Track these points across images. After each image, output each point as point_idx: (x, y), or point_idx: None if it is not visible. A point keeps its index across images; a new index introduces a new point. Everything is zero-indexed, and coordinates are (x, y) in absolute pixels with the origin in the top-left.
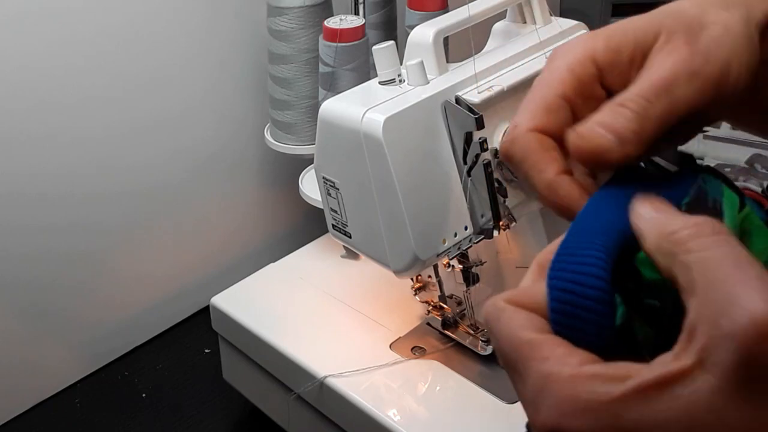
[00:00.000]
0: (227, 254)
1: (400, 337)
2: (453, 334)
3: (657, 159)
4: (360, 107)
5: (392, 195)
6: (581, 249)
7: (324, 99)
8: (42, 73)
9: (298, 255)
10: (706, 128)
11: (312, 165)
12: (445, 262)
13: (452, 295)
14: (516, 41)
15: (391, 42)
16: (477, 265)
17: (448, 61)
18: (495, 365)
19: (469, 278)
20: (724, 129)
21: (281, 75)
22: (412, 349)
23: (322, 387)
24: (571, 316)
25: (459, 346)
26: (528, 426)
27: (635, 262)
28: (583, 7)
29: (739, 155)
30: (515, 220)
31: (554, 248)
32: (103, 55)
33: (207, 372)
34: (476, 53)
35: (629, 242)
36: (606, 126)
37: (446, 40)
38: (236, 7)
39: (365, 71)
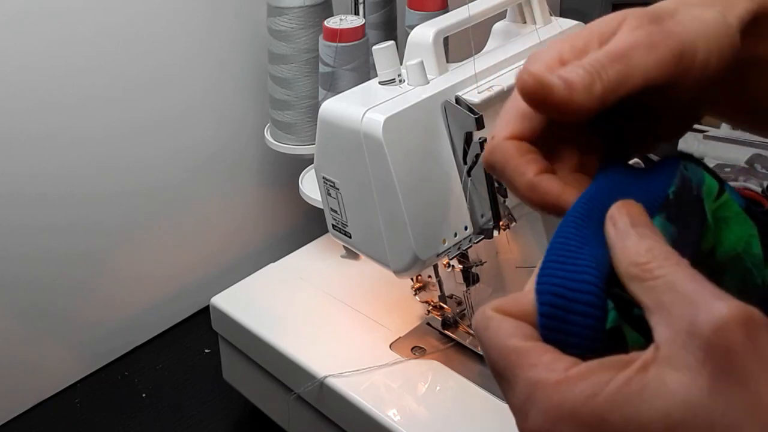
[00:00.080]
0: (227, 254)
1: (400, 337)
2: (453, 334)
3: (652, 156)
4: (360, 107)
5: (392, 195)
6: (571, 255)
7: (324, 99)
8: (42, 73)
9: (298, 255)
10: (706, 128)
11: (312, 165)
12: (445, 262)
13: (452, 295)
14: (516, 41)
15: (391, 42)
16: (477, 265)
17: (448, 61)
18: None
19: (469, 278)
20: (724, 129)
21: (281, 75)
22: (412, 349)
23: (322, 387)
24: (562, 320)
25: (459, 346)
26: None
27: None
28: (583, 7)
29: (739, 155)
30: (515, 220)
31: None
32: (103, 55)
33: (207, 372)
34: (476, 53)
35: None
36: (557, 73)
37: (446, 40)
38: (236, 7)
39: (365, 71)
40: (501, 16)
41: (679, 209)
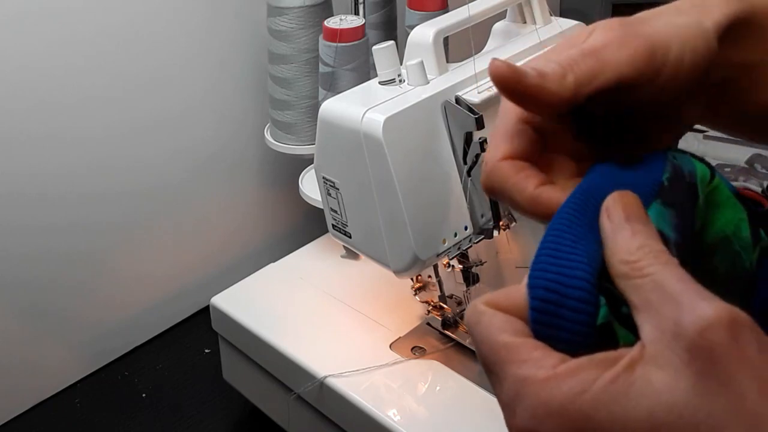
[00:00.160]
0: (227, 254)
1: (400, 337)
2: (453, 334)
3: None
4: (360, 107)
5: (392, 195)
6: (564, 249)
7: (324, 99)
8: (42, 73)
9: (298, 255)
10: (706, 128)
11: (312, 165)
12: (445, 262)
13: (452, 295)
14: (516, 41)
15: (391, 42)
16: (477, 265)
17: (448, 61)
18: None
19: (469, 278)
20: None
21: (281, 75)
22: (412, 349)
23: (322, 387)
24: (553, 315)
25: (459, 346)
26: None
27: None
28: (583, 7)
29: (739, 155)
30: (515, 220)
31: None
32: (103, 55)
33: (207, 372)
34: (476, 53)
35: None
36: (530, 65)
37: (446, 40)
38: (236, 7)
39: (365, 71)
40: (501, 16)
41: (675, 194)
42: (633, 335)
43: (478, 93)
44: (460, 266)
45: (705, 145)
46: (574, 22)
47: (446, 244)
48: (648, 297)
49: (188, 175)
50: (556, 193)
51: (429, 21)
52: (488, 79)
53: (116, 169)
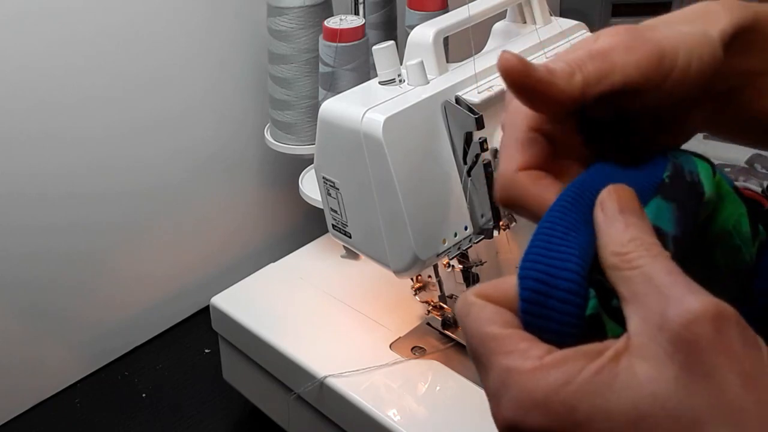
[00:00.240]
0: (227, 254)
1: (400, 337)
2: (453, 334)
3: None
4: (360, 107)
5: (392, 195)
6: (556, 241)
7: (324, 99)
8: (42, 73)
9: (298, 255)
10: None
11: (312, 165)
12: (445, 262)
13: (452, 295)
14: (516, 41)
15: (391, 42)
16: (477, 265)
17: (448, 61)
18: None
19: (469, 278)
20: None
21: (281, 75)
22: (412, 349)
23: (322, 387)
24: (542, 305)
25: (459, 346)
26: None
27: None
28: (583, 7)
29: (739, 155)
30: (515, 220)
31: None
32: (103, 55)
33: (207, 372)
34: (476, 53)
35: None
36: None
37: (446, 40)
38: (236, 7)
39: (365, 71)
40: (501, 16)
41: (675, 190)
42: (622, 328)
43: (478, 93)
44: (460, 266)
45: (705, 145)
46: (574, 22)
47: (446, 244)
48: (636, 289)
49: (188, 175)
50: None
51: (429, 21)
52: (488, 79)
53: (116, 169)
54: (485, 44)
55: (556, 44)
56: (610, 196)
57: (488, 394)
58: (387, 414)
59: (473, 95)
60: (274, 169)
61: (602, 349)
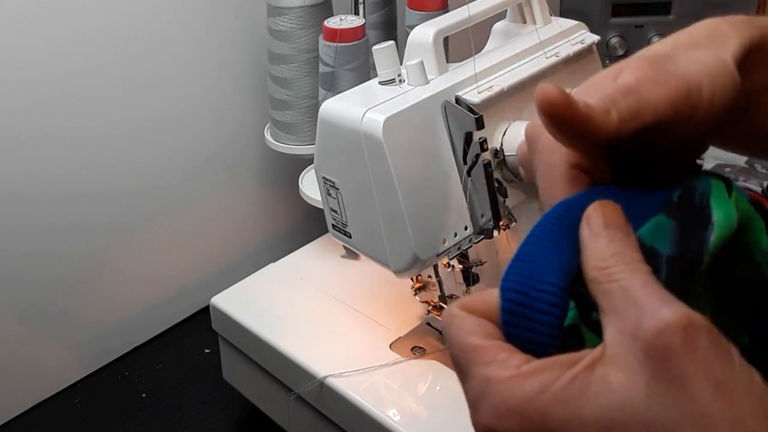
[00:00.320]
0: (227, 254)
1: (400, 337)
2: None
3: None
4: (360, 107)
5: (392, 195)
6: (538, 254)
7: (324, 99)
8: (42, 73)
9: (298, 255)
10: None
11: (312, 165)
12: (445, 262)
13: (452, 295)
14: (516, 41)
15: (391, 42)
16: (477, 265)
17: (448, 61)
18: None
19: (469, 278)
20: None
21: (281, 75)
22: (412, 349)
23: (322, 387)
24: (522, 316)
25: None
26: None
27: None
28: (583, 7)
29: (739, 155)
30: (515, 220)
31: None
32: (103, 55)
33: (207, 372)
34: (476, 53)
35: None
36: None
37: (446, 40)
38: (236, 7)
39: (365, 71)
40: (501, 16)
41: (681, 210)
42: (601, 340)
43: (478, 93)
44: (460, 266)
45: None
46: (574, 22)
47: (446, 244)
48: (614, 302)
49: (188, 175)
50: None
51: (429, 21)
52: (488, 79)
53: (116, 169)
54: (485, 44)
55: (556, 44)
56: (596, 211)
57: (469, 402)
58: (387, 414)
59: (473, 95)
60: (274, 169)
61: (578, 358)
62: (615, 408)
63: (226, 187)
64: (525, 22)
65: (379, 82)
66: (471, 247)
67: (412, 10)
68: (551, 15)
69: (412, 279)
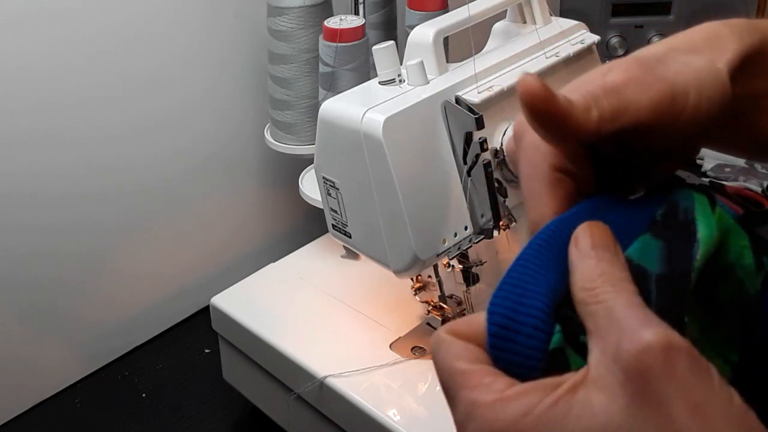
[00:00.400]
0: (227, 254)
1: (400, 337)
2: None
3: None
4: (360, 107)
5: (392, 195)
6: (525, 278)
7: (324, 99)
8: (42, 73)
9: (298, 255)
10: None
11: (312, 165)
12: (445, 262)
13: (452, 295)
14: (516, 41)
15: (391, 42)
16: (477, 265)
17: (448, 61)
18: None
19: (469, 278)
20: None
21: (281, 75)
22: (412, 349)
23: (322, 387)
24: (508, 340)
25: None
26: None
27: None
28: (583, 7)
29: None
30: (515, 220)
31: None
32: (103, 55)
33: (207, 372)
34: (476, 53)
35: None
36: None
37: (446, 40)
38: (236, 7)
39: (365, 71)
40: (501, 16)
41: (666, 230)
42: (586, 362)
43: (478, 93)
44: (460, 266)
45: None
46: (574, 22)
47: (446, 244)
48: (598, 323)
49: (188, 175)
50: None
51: (429, 21)
52: (488, 79)
53: (116, 169)
54: (485, 44)
55: (556, 44)
56: (584, 232)
57: (456, 426)
58: (387, 414)
59: (473, 95)
60: (274, 169)
61: (562, 381)
62: (597, 430)
63: (226, 187)
64: (525, 22)
65: (379, 82)
66: (471, 247)
67: (412, 10)
68: (551, 15)
69: (412, 279)
